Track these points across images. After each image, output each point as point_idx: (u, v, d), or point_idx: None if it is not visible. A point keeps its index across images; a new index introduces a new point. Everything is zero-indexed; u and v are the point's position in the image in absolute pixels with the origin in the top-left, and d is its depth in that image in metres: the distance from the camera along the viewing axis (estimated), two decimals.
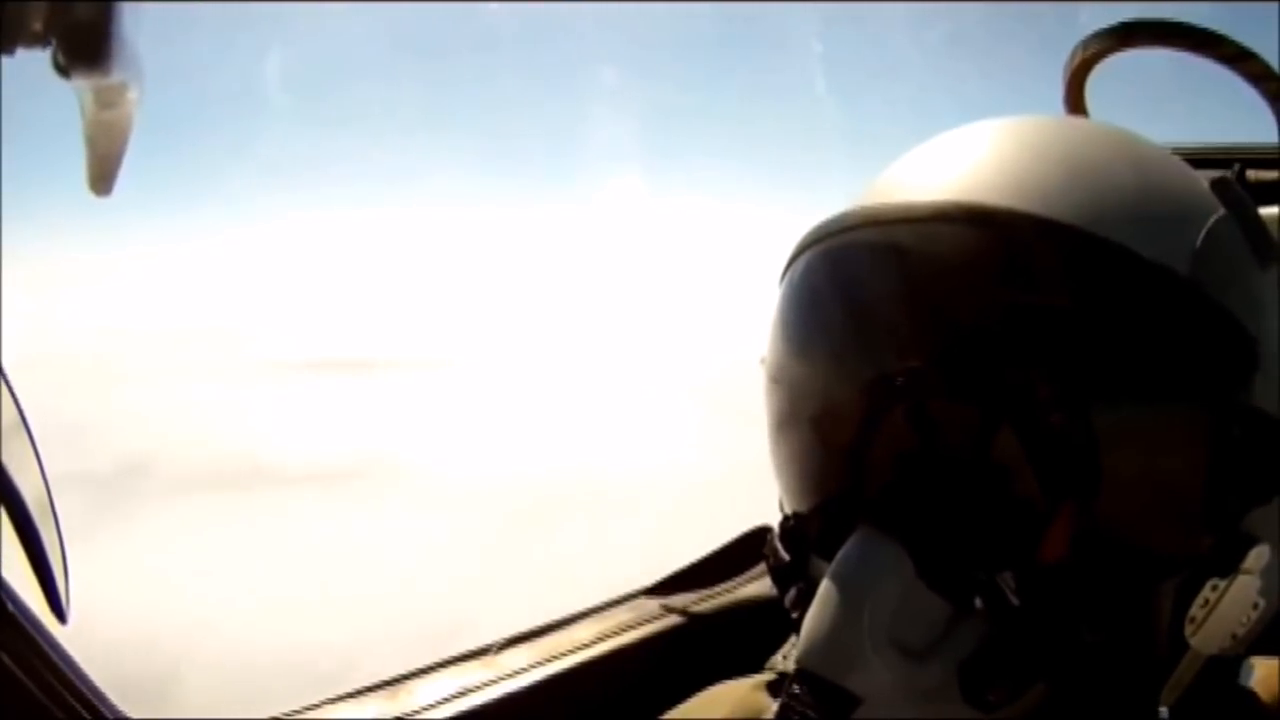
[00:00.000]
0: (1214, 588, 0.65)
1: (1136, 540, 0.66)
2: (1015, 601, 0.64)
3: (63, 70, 0.64)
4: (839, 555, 0.66)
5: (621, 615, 1.65)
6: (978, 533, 0.65)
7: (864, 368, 0.69)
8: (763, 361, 0.81)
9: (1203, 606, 0.65)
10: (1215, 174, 0.75)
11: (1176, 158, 0.76)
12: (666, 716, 0.99)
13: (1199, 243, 0.67)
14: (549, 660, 1.54)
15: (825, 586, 0.66)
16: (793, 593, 0.75)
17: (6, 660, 1.18)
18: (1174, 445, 0.65)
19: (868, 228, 0.71)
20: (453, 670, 1.53)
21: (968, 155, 0.73)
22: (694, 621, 1.65)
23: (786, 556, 0.77)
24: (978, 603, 0.64)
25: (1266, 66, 1.48)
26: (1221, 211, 0.71)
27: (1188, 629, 0.66)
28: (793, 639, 1.02)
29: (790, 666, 0.99)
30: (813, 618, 0.66)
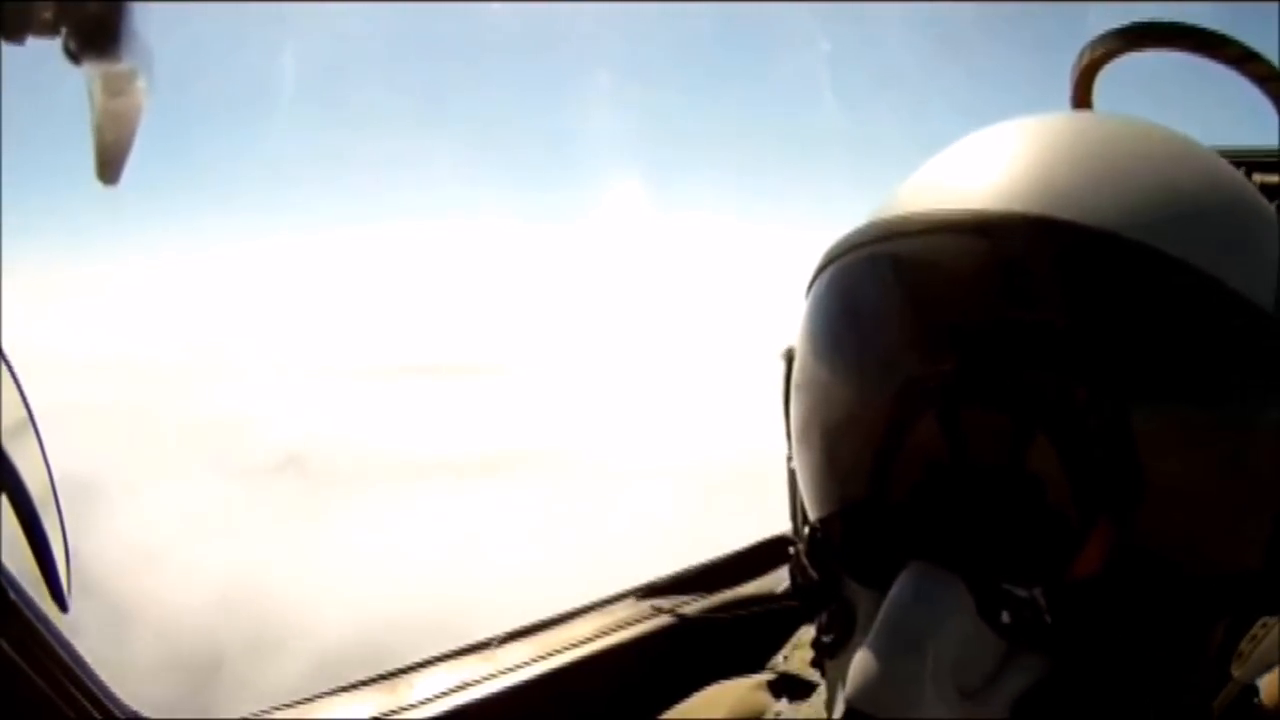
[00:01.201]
0: (1264, 625, 0.64)
1: (1187, 569, 0.64)
2: (1048, 620, 0.62)
3: (74, 57, 0.64)
4: (896, 590, 0.63)
5: (620, 612, 1.66)
6: (1029, 560, 0.63)
7: (895, 372, 0.68)
8: (782, 356, 0.80)
9: (1250, 641, 0.64)
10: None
11: (1229, 165, 0.74)
12: (667, 715, 0.99)
13: (1275, 266, 0.65)
14: (548, 656, 1.55)
15: (883, 624, 0.62)
16: (824, 616, 0.72)
17: (12, 654, 1.18)
18: (1223, 467, 0.63)
19: (898, 239, 0.70)
20: (452, 664, 1.54)
21: (1013, 159, 0.70)
22: (691, 619, 1.65)
23: (815, 575, 0.73)
24: (1005, 617, 0.62)
25: (1273, 68, 1.48)
26: None
27: (1234, 663, 0.65)
28: (794, 639, 1.02)
29: (792, 668, 0.98)
30: (868, 656, 0.62)
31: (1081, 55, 1.59)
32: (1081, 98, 1.63)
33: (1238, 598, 0.65)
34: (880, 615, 0.62)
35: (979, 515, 0.64)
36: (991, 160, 0.71)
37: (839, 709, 0.63)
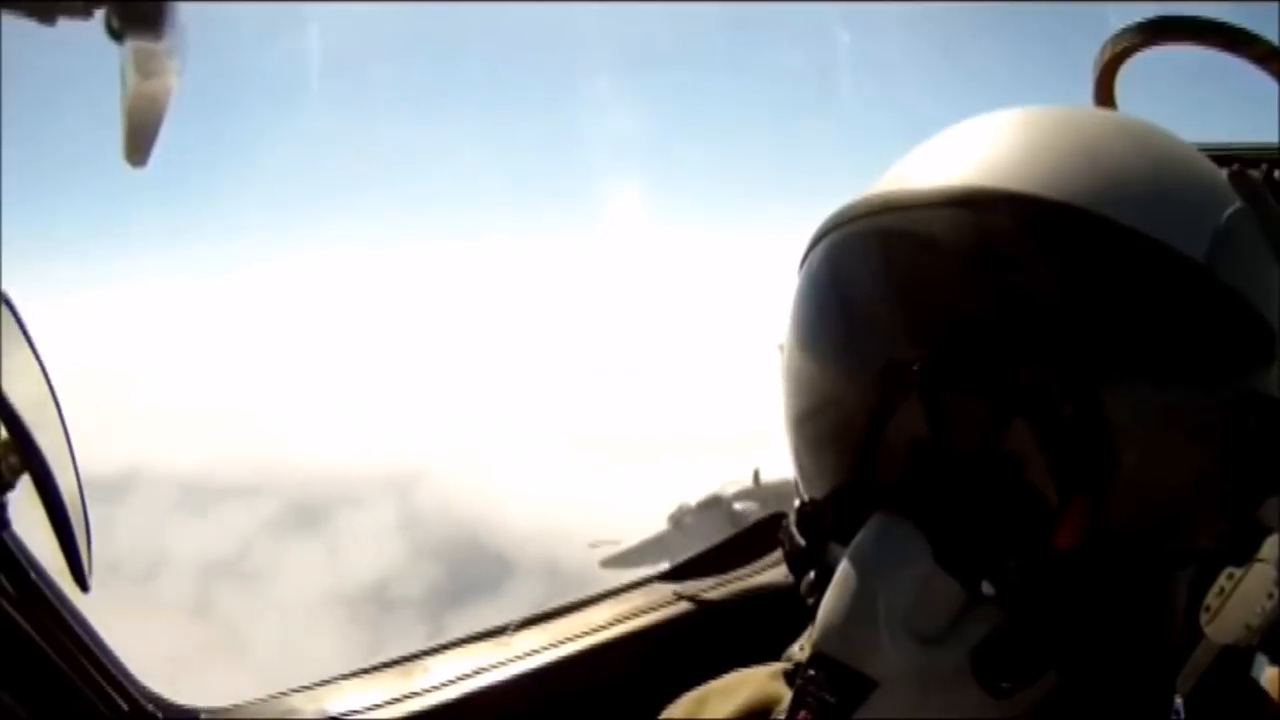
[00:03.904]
0: (1229, 577, 0.65)
1: (1151, 528, 0.65)
2: (1027, 588, 0.64)
3: (116, 34, 0.64)
4: (856, 540, 0.66)
5: (636, 600, 1.67)
6: (992, 520, 0.65)
7: (878, 356, 0.69)
8: (780, 348, 0.81)
9: (1218, 595, 0.65)
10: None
11: (1194, 149, 0.76)
12: (683, 698, 0.99)
13: (1216, 232, 0.67)
14: (563, 642, 1.56)
15: (842, 571, 0.65)
16: (808, 578, 0.75)
17: (33, 634, 1.19)
18: (1189, 434, 0.65)
19: (883, 214, 0.71)
20: (467, 649, 1.55)
21: (983, 142, 0.73)
22: (708, 607, 1.66)
23: (802, 542, 0.76)
24: (987, 588, 0.64)
25: None
26: (1239, 203, 0.71)
27: (1203, 618, 0.66)
28: (809, 630, 1.03)
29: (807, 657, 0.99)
30: (829, 602, 0.65)
31: (1104, 50, 1.59)
32: (1104, 93, 1.62)
33: (1199, 553, 0.66)
34: (841, 561, 0.66)
35: (960, 493, 0.65)
36: (958, 145, 0.74)
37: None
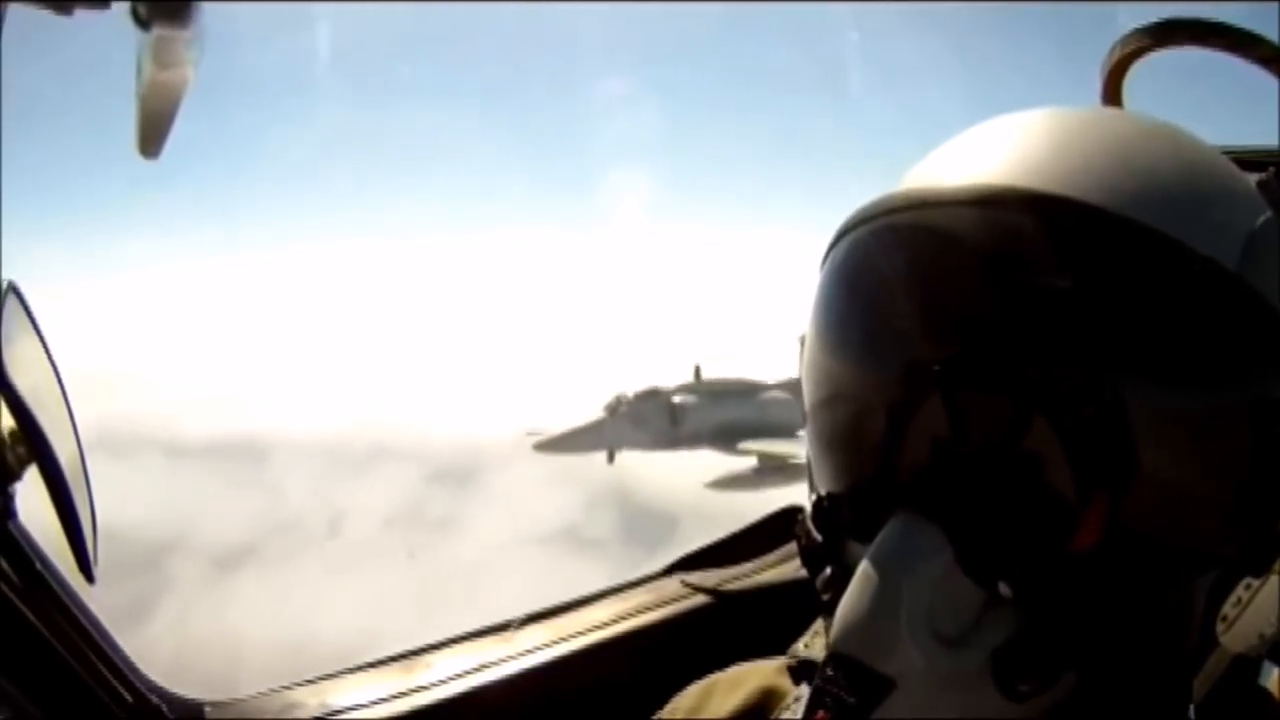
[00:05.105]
0: (1248, 587, 0.65)
1: (1170, 533, 0.65)
2: (1046, 590, 0.63)
3: (143, 22, 0.64)
4: (878, 539, 0.65)
5: (640, 596, 1.67)
6: (1012, 521, 0.65)
7: (900, 354, 0.69)
8: (801, 340, 0.81)
9: (1235, 605, 0.66)
10: (1257, 176, 0.75)
11: (1223, 155, 0.76)
12: (689, 689, 0.99)
13: (1248, 240, 0.67)
14: (566, 638, 1.56)
15: (863, 569, 0.65)
16: (825, 575, 0.74)
17: (38, 625, 1.19)
18: (1211, 440, 0.65)
19: (907, 211, 0.71)
20: (471, 645, 1.55)
21: (1010, 141, 0.72)
22: (712, 602, 1.66)
23: (819, 538, 0.76)
24: (1004, 589, 0.64)
25: None
26: (1269, 212, 0.71)
27: (1219, 626, 0.66)
28: (814, 625, 1.02)
29: (812, 654, 0.99)
30: (849, 600, 0.65)
31: (1111, 53, 1.58)
32: (1111, 96, 1.62)
33: (1218, 560, 0.66)
34: (862, 561, 0.65)
35: (981, 493, 0.65)
36: (987, 144, 0.74)
37: (814, 656, 0.65)
